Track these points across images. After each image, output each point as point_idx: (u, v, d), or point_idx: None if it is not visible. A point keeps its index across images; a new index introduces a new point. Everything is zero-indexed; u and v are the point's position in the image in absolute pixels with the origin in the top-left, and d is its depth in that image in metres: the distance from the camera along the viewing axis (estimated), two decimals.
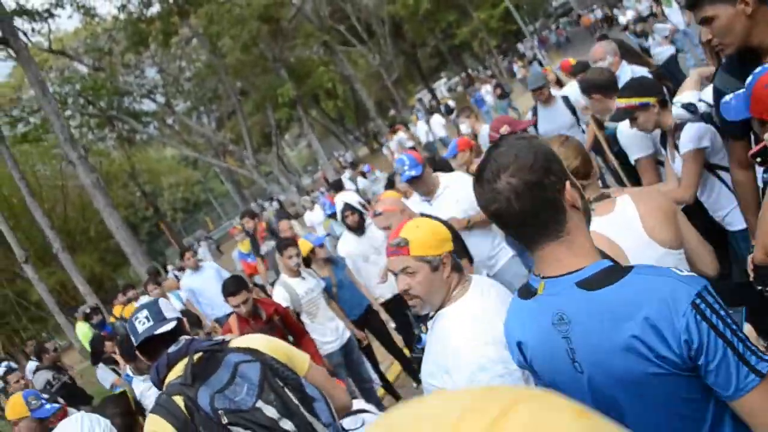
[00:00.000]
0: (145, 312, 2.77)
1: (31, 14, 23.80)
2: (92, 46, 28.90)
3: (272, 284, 9.93)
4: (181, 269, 15.29)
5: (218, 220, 53.93)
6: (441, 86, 59.00)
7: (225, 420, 2.41)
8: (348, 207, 7.07)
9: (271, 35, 28.56)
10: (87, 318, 11.52)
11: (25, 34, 22.95)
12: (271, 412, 2.48)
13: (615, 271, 1.65)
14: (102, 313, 11.88)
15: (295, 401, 2.56)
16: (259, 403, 2.48)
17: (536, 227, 1.67)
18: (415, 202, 5.45)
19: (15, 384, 8.91)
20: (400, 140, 21.44)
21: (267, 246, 10.83)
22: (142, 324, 2.75)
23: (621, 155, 6.45)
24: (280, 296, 6.04)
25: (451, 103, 29.72)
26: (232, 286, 5.35)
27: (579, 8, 57.19)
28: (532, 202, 1.63)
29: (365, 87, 36.84)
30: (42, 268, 24.99)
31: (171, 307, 2.90)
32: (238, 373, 2.55)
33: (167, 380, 2.58)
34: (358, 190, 17.19)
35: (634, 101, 3.98)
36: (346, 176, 21.00)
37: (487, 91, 24.00)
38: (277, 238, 9.40)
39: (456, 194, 5.20)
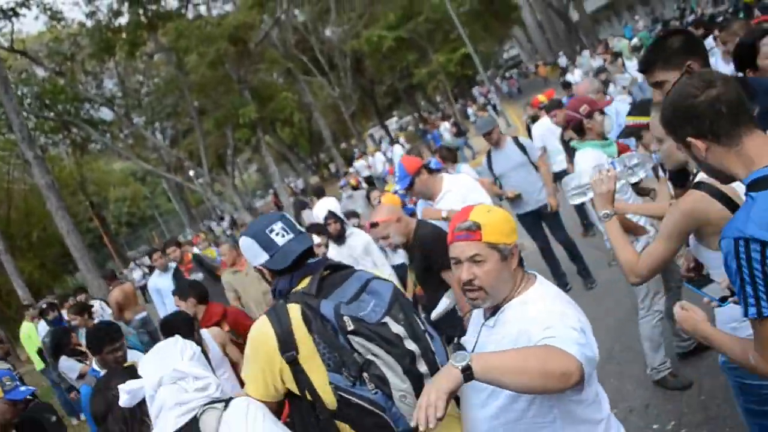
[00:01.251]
0: (279, 224, 2.61)
1: None
2: (55, 50, 28.68)
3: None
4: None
5: (162, 237, 53.11)
6: (392, 124, 59.96)
7: (351, 327, 2.34)
8: (332, 215, 7.43)
9: (238, 56, 28.89)
10: (43, 313, 11.38)
11: None
12: (397, 329, 2.39)
13: None
14: (59, 310, 11.75)
15: (422, 326, 2.50)
16: (386, 319, 2.40)
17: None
18: (420, 203, 5.68)
19: None
20: (357, 168, 22.14)
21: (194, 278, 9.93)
22: (282, 236, 2.59)
23: None
24: None
25: (401, 140, 30.53)
26: (179, 290, 5.99)
27: (528, 62, 59.45)
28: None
29: (322, 117, 37.38)
30: None
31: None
32: (368, 288, 2.48)
33: (294, 290, 2.56)
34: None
35: (642, 120, 4.28)
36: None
37: (445, 129, 24.88)
38: (206, 270, 8.94)
39: (454, 199, 5.29)
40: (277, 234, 2.57)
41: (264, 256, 2.58)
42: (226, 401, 2.48)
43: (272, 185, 38.66)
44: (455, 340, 2.62)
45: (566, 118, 5.52)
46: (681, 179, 3.11)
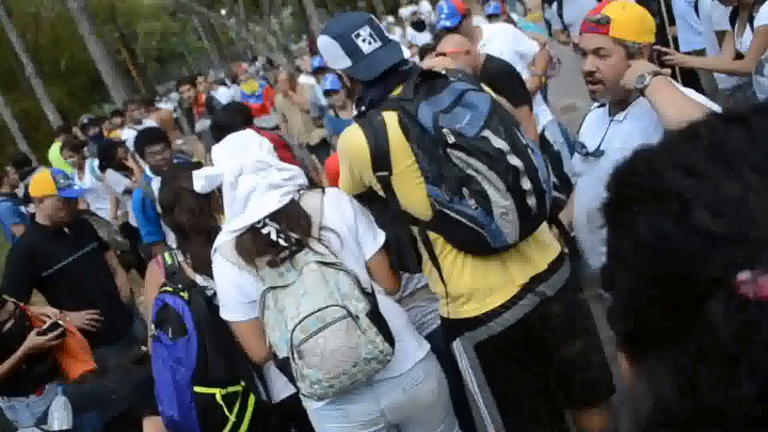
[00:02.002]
0: (367, 29, 2.32)
1: None
2: None
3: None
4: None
5: (192, 75, 52.36)
6: None
7: (451, 140, 2.13)
8: None
9: None
10: (84, 129, 11.20)
11: None
12: (499, 143, 2.16)
13: None
14: (100, 125, 11.53)
15: (524, 141, 2.24)
16: (486, 132, 2.16)
17: None
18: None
19: None
20: (403, 14, 21.52)
21: (202, 125, 9.69)
22: (369, 43, 2.31)
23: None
24: None
25: None
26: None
27: None
28: None
29: None
30: (6, 93, 24.25)
31: None
32: (463, 100, 2.22)
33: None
34: None
35: None
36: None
37: None
38: (215, 114, 8.85)
39: (500, 47, 5.03)
40: (364, 40, 2.30)
41: (346, 62, 2.34)
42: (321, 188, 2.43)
43: (307, 29, 37.54)
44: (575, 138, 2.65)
45: None
46: None
